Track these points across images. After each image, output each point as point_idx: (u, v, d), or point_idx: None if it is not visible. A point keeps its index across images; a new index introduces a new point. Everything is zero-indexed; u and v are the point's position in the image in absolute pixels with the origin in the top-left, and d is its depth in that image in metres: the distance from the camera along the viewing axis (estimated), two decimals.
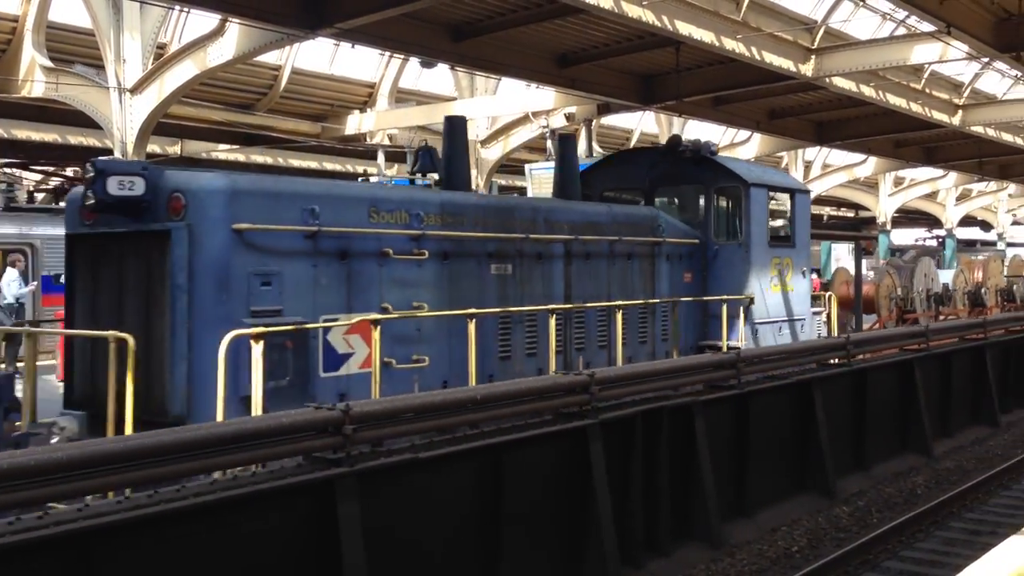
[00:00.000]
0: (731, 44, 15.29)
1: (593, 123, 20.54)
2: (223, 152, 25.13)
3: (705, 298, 12.02)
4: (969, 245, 47.77)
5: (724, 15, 15.18)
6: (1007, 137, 26.34)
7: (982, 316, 15.26)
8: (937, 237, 47.55)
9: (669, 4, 14.00)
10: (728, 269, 12.28)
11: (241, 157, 25.95)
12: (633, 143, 28.09)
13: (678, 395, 8.64)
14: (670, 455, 8.30)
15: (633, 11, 13.48)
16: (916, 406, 12.27)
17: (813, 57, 17.07)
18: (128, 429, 6.14)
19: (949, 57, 16.45)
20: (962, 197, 45.37)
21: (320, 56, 26.30)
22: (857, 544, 8.25)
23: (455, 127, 10.05)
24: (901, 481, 10.93)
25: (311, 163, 27.17)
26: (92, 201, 6.92)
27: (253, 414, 6.47)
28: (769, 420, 9.72)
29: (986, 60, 19.76)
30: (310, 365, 7.46)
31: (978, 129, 24.49)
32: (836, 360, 11.18)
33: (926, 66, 20.34)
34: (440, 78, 24.16)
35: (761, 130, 23.86)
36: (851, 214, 50.89)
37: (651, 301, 11.17)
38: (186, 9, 15.26)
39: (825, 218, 49.45)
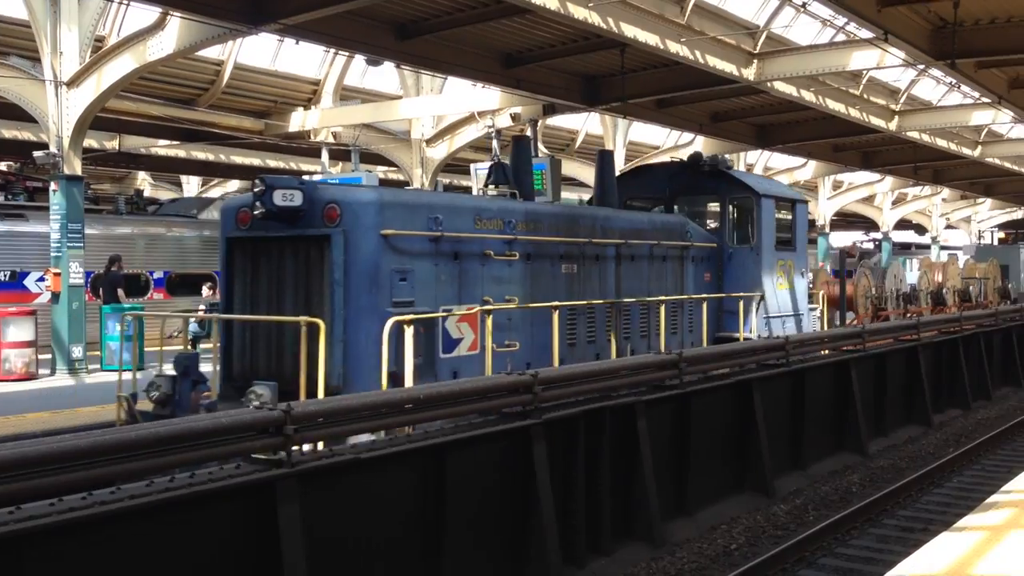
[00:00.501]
0: (675, 47, 15.47)
1: (539, 123, 20.63)
2: (163, 148, 24.70)
3: (724, 295, 13.59)
4: (904, 248, 48.94)
5: (669, 18, 15.35)
6: (941, 143, 27.00)
7: (916, 317, 15.78)
8: (874, 240, 48.64)
9: (614, 6, 14.12)
10: (741, 270, 13.94)
11: (182, 153, 25.55)
12: (578, 144, 28.26)
13: (620, 395, 8.73)
14: (613, 455, 8.38)
15: (578, 12, 13.58)
16: (852, 406, 12.55)
17: (755, 61, 17.33)
18: (321, 394, 7.61)
19: (886, 64, 16.82)
20: (898, 201, 46.47)
21: (264, 52, 26.02)
22: (794, 542, 8.41)
23: (521, 147, 12.56)
24: (837, 479, 11.17)
25: (254, 160, 26.86)
26: (261, 210, 8.43)
27: (407, 385, 7.91)
28: (710, 420, 9.86)
29: (922, 67, 20.25)
30: (435, 347, 9.04)
31: (913, 135, 25.06)
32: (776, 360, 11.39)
33: (864, 72, 20.78)
34: (386, 76, 24.10)
35: (704, 132, 24.15)
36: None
37: (683, 297, 12.91)
38: (126, 2, 14.98)
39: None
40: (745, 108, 23.31)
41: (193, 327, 15.70)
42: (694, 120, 22.94)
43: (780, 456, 10.93)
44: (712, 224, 14.38)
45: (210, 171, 29.41)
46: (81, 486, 4.79)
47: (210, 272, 21.41)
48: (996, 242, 50.21)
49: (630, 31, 14.56)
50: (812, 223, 39.93)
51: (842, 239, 55.75)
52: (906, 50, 15.12)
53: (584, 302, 11.00)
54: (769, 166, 35.36)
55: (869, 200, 44.78)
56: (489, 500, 7.21)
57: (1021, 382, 19.40)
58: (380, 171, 26.01)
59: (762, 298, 13.94)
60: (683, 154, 26.94)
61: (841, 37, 19.29)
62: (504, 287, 10.12)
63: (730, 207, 14.18)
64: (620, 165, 26.81)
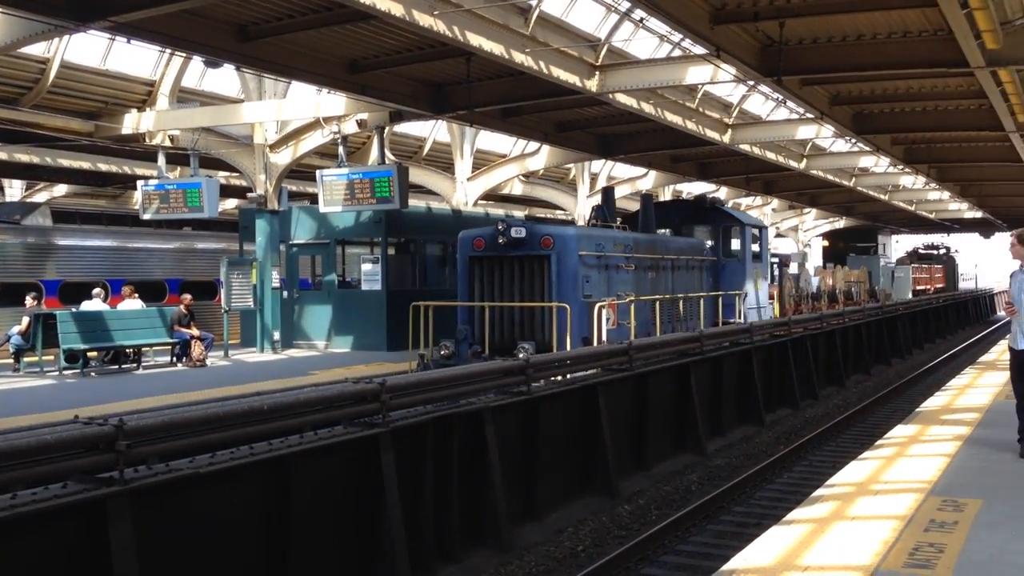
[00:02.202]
0: (520, 57, 15.66)
1: (385, 131, 20.50)
2: None
3: (723, 292, 19.19)
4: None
5: (513, 28, 15.53)
6: (770, 155, 28.37)
7: (750, 322, 16.83)
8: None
9: (460, 15, 14.18)
10: (731, 276, 20.03)
11: (3, 155, 24.00)
12: (426, 151, 28.23)
13: (469, 402, 8.76)
14: (462, 462, 8.40)
15: (424, 20, 13.56)
16: (691, 407, 13.03)
17: (597, 73, 17.77)
18: (568, 346, 13.06)
19: (719, 79, 17.54)
20: None
21: (94, 50, 24.74)
22: (637, 541, 8.65)
23: (608, 196, 18.68)
24: (678, 479, 11.57)
25: (83, 163, 25.51)
26: (505, 240, 14.15)
27: (594, 344, 13.32)
28: (558, 424, 10.03)
29: (751, 83, 21.27)
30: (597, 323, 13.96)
31: (745, 147, 26.22)
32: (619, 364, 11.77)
33: (699, 86, 21.63)
34: (226, 78, 23.39)
35: (550, 142, 24.54)
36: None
37: (714, 294, 18.89)
38: None
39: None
40: (588, 119, 23.85)
41: (17, 340, 15.74)
42: (540, 129, 23.28)
43: (624, 458, 11.24)
44: (709, 243, 20.32)
45: (35, 174, 27.74)
46: None
47: (35, 281, 20.19)
48: (820, 250, 55.75)
49: (475, 40, 14.65)
50: None
51: None
52: (736, 66, 15.82)
53: (669, 296, 17.05)
54: (613, 175, 36.29)
55: None
56: (337, 511, 7.09)
57: (844, 382, 20.66)
58: (221, 176, 25.20)
59: (745, 296, 19.87)
60: (531, 165, 27.39)
61: (677, 52, 20.04)
62: (626, 287, 15.69)
63: (722, 232, 20.44)
64: (468, 173, 26.96)
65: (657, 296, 16.44)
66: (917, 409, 11.66)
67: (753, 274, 20.70)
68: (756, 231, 21.22)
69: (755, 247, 20.90)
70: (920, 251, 63.65)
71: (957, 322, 40.13)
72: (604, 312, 13.96)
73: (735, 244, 20.48)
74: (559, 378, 10.59)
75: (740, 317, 19.11)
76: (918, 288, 52.40)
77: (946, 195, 42.09)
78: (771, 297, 22.77)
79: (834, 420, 15.53)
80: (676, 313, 17.22)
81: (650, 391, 12.04)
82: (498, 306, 14.16)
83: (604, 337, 13.68)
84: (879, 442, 9.41)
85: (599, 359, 11.37)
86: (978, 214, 49.93)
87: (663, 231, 19.80)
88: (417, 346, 13.87)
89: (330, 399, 7.23)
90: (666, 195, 39.96)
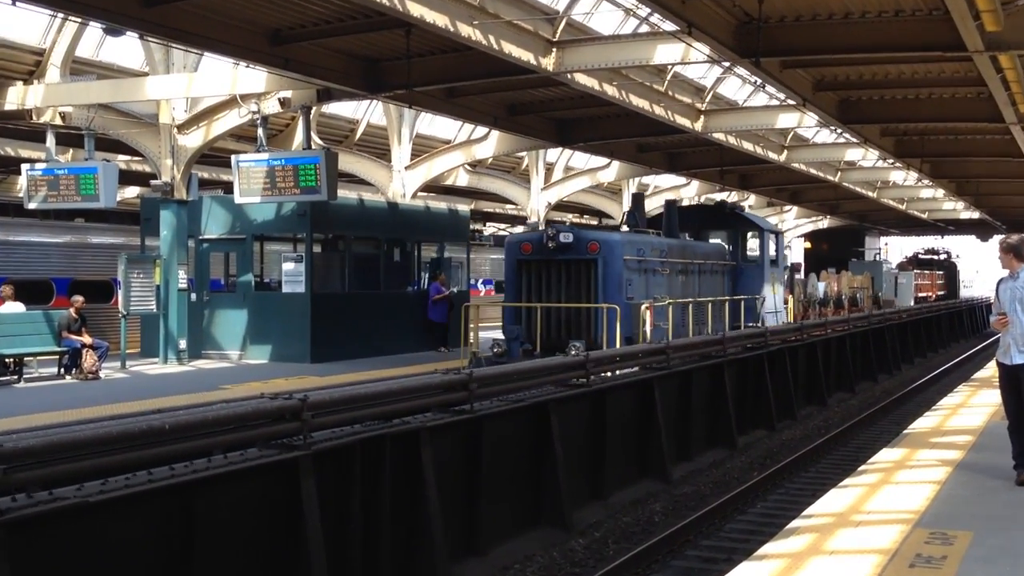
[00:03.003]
0: (467, 30, 15.64)
1: (312, 111, 20.39)
2: None
3: (743, 297, 21.99)
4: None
5: None
6: (747, 145, 28.72)
7: (722, 333, 17.01)
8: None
9: None
10: (750, 281, 22.89)
11: None
12: (359, 135, 28.11)
13: (403, 422, 8.74)
14: (395, 489, 8.36)
15: None
16: (655, 428, 13.12)
17: (554, 50, 17.82)
18: (617, 344, 15.61)
19: (691, 59, 17.72)
20: None
21: None
22: None
23: (638, 202, 21.54)
24: (639, 509, 11.65)
25: None
26: (554, 244, 16.87)
27: (641, 341, 16.09)
28: (504, 447, 10.04)
29: (727, 65, 21.53)
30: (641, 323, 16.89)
31: (719, 136, 26.51)
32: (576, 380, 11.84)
33: (669, 67, 21.85)
34: (128, 48, 23.07)
35: (500, 127, 24.57)
36: (595, 222, 53.67)
37: (741, 297, 21.82)
38: None
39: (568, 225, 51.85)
40: (544, 101, 23.93)
41: None
42: (489, 113, 23.30)
43: (579, 486, 11.28)
44: (727, 248, 23.39)
45: None
46: None
47: None
48: (802, 252, 57.21)
49: (416, 10, 14.61)
50: (618, 229, 42.06)
51: None
52: (711, 45, 15.97)
53: (699, 299, 19.90)
54: (571, 166, 36.50)
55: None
56: (249, 546, 7.02)
57: (825, 400, 20.98)
58: (120, 160, 24.85)
59: (764, 300, 22.77)
60: (477, 150, 27.44)
61: (645, 29, 20.20)
62: (661, 290, 18.36)
63: (741, 237, 23.42)
64: (406, 161, 26.91)
65: (690, 299, 19.40)
66: (905, 431, 11.87)
67: (771, 278, 23.77)
68: (773, 236, 24.34)
69: (771, 252, 23.85)
70: (921, 256, 65.67)
71: (952, 334, 41.01)
72: (648, 313, 17.09)
73: (753, 249, 23.57)
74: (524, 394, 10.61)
75: (760, 321, 22.01)
76: (919, 295, 55.08)
77: (940, 193, 42.94)
78: (785, 301, 25.89)
79: (813, 443, 15.76)
80: (703, 316, 20.01)
81: (608, 410, 12.11)
82: (550, 306, 17.00)
83: (649, 336, 16.74)
84: (862, 467, 9.56)
85: (552, 373, 11.40)
86: (975, 214, 51.02)
87: (682, 236, 22.42)
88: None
89: (243, 418, 7.16)
90: (630, 188, 40.34)
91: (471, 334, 17.09)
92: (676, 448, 13.96)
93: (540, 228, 26.69)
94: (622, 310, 16.20)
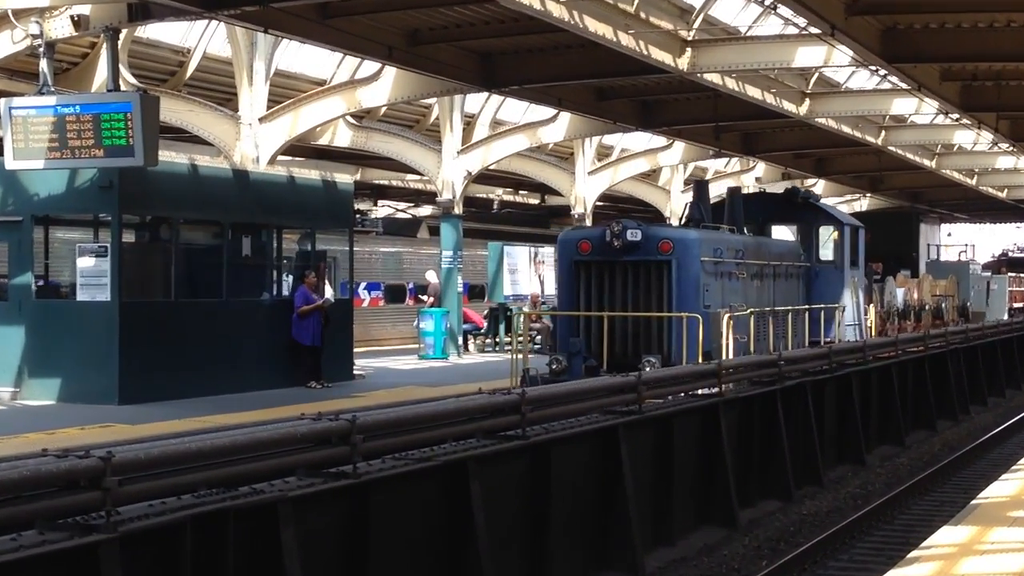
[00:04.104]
0: None
1: (122, 35, 20.20)
2: None
3: (823, 306, 25.43)
4: None
5: None
6: (753, 92, 28.90)
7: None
8: None
9: None
10: (826, 286, 26.20)
11: None
12: (190, 73, 27.84)
13: (254, 491, 8.68)
14: None
15: None
16: (620, 501, 13.20)
17: None
18: (700, 359, 18.82)
19: None
20: (690, 181, 49.49)
21: None
22: None
23: (702, 191, 24.42)
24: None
25: None
26: (619, 243, 19.74)
27: (724, 357, 18.62)
28: (404, 525, 10.03)
29: None
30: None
31: (713, 78, 26.71)
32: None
33: None
34: None
35: (397, 61, 24.45)
36: (536, 200, 53.88)
37: (824, 306, 25.39)
38: None
39: (495, 205, 51.91)
40: (462, 25, 23.93)
41: None
42: (380, 41, 23.24)
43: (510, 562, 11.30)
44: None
45: None
46: None
47: None
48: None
49: None
50: (568, 211, 42.25)
51: None
52: None
53: (783, 307, 23.62)
54: (501, 120, 36.56)
55: (650, 177, 47.42)
56: None
57: (864, 457, 21.24)
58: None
59: (844, 309, 26.07)
60: (364, 94, 27.35)
61: None
62: (735, 296, 21.43)
63: (815, 233, 26.50)
64: (261, 110, 26.75)
65: (768, 308, 22.47)
66: (974, 501, 12.06)
67: (851, 283, 27.01)
68: (852, 231, 27.33)
69: (850, 250, 26.92)
70: (1013, 255, 67.33)
71: None
72: (730, 323, 19.89)
73: (830, 247, 26.80)
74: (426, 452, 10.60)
75: (837, 336, 25.26)
76: (1015, 306, 58.09)
77: None
78: (866, 312, 29.06)
79: (848, 518, 15.98)
80: (782, 328, 23.17)
81: (553, 469, 12.16)
82: (619, 316, 19.78)
83: (731, 352, 19.45)
84: (913, 553, 9.70)
85: (471, 420, 11.41)
86: None
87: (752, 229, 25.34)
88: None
89: (17, 485, 7.06)
90: (587, 151, 40.58)
91: (519, 346, 20.93)
92: (652, 527, 14.05)
93: (445, 200, 31.75)
94: (703, 320, 19.26)
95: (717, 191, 49.46)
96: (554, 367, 19.30)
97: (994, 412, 29.97)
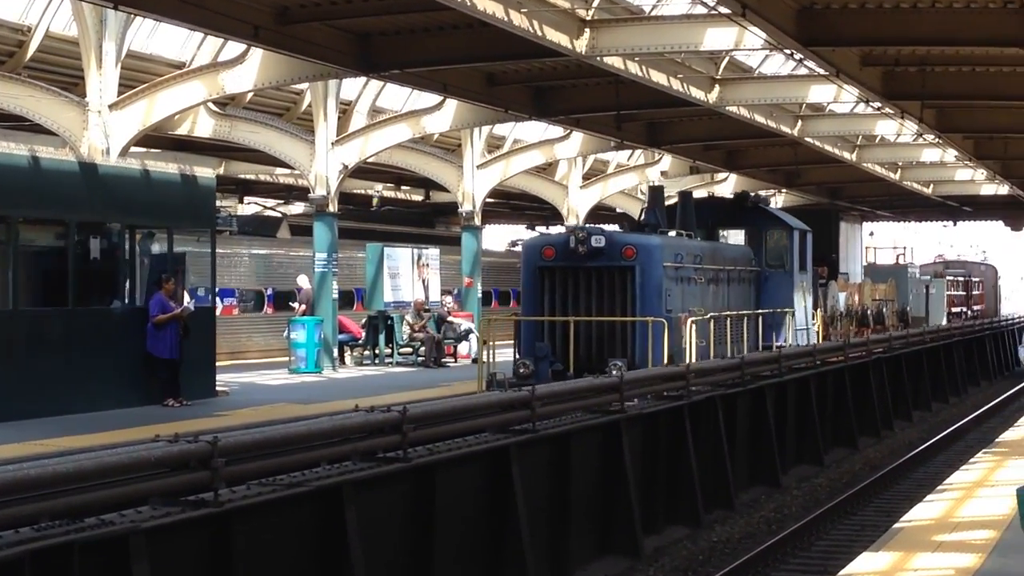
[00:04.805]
0: None
1: None
2: None
3: (774, 311, 28.34)
4: None
5: None
6: (658, 78, 29.03)
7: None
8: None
9: None
10: (776, 290, 28.96)
11: None
12: (31, 53, 27.45)
13: (103, 522, 8.60)
14: None
15: None
16: (515, 532, 13.25)
17: None
18: (665, 361, 21.63)
19: None
20: (590, 176, 49.60)
21: None
22: None
23: (657, 196, 27.07)
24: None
25: None
26: (584, 249, 22.35)
27: (687, 361, 21.82)
28: (273, 559, 9.98)
29: None
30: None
31: (614, 61, 26.81)
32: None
33: None
34: None
35: (263, 41, 24.23)
36: (419, 196, 53.78)
37: (800, 310, 29.27)
38: None
39: (375, 202, 51.65)
40: (337, 2, 23.82)
41: None
42: (245, 19, 22.90)
43: None
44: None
45: None
46: None
47: None
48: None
49: None
50: (455, 208, 42.30)
51: (505, 235, 59.69)
52: None
53: (743, 312, 26.65)
54: (381, 107, 36.49)
55: (547, 171, 47.51)
56: None
57: (779, 479, 21.46)
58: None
59: (793, 314, 28.91)
60: (229, 78, 27.16)
61: None
62: (694, 301, 24.13)
63: (765, 237, 29.19)
64: (112, 95, 26.45)
65: (727, 312, 25.28)
66: (897, 524, 12.26)
67: (800, 287, 29.91)
68: (800, 235, 30.03)
69: (798, 254, 29.57)
70: (949, 259, 69.32)
71: (971, 372, 42.55)
72: (691, 327, 22.56)
73: (778, 251, 29.42)
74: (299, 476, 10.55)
75: (788, 340, 28.10)
76: (952, 310, 61.36)
77: (950, 155, 44.39)
78: (813, 316, 31.68)
79: (762, 545, 16.15)
80: (738, 332, 25.79)
81: (438, 493, 12.18)
82: (585, 320, 22.30)
83: (694, 355, 22.12)
84: None
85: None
86: (1003, 189, 53.10)
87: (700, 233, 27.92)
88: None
89: None
90: (476, 142, 40.64)
91: (484, 352, 23.37)
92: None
93: (319, 196, 32.73)
94: (668, 324, 21.87)
95: (620, 185, 50.13)
96: (521, 371, 21.76)
97: (919, 428, 30.48)
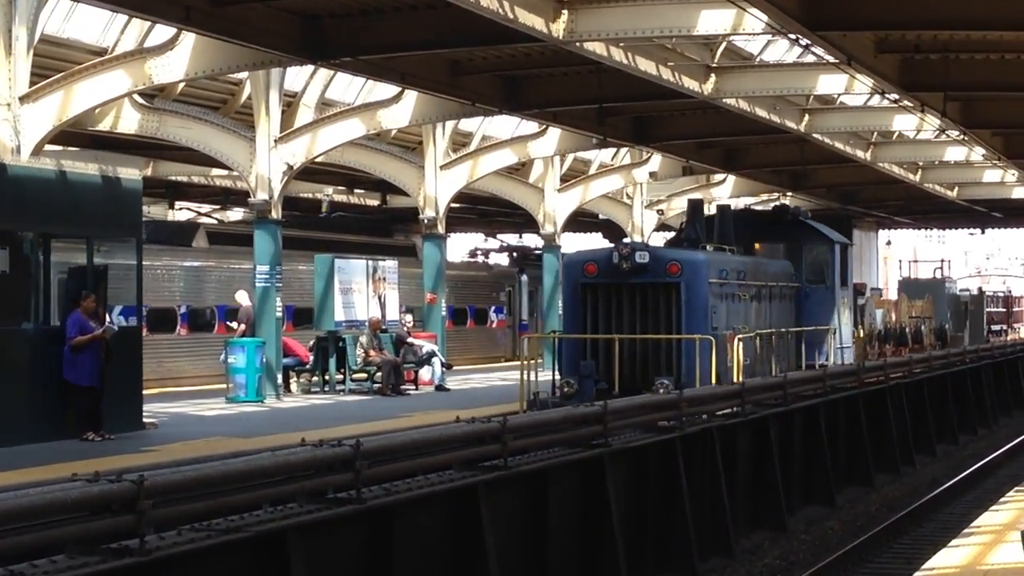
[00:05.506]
0: None
1: None
2: None
3: (814, 328, 31.72)
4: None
5: None
6: (646, 66, 29.07)
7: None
8: (515, 249, 52.90)
9: None
10: (818, 307, 32.03)
11: None
12: None
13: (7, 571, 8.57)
14: None
15: None
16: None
17: None
18: (714, 381, 24.79)
19: None
20: (570, 177, 49.69)
21: None
22: None
23: (697, 210, 30.55)
24: None
25: None
26: (627, 265, 25.60)
27: (736, 379, 24.80)
28: None
29: None
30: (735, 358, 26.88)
31: (596, 47, 26.88)
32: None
33: None
34: None
35: (195, 25, 24.22)
36: (375, 201, 53.77)
37: (809, 328, 32.12)
38: None
39: (324, 207, 51.61)
40: None
41: None
42: (176, 1, 23.11)
43: None
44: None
45: None
46: None
47: None
48: None
49: None
50: (416, 215, 42.40)
51: (466, 244, 59.77)
52: None
53: (786, 329, 30.09)
54: (331, 100, 36.51)
55: (519, 172, 47.58)
56: None
57: (781, 524, 21.50)
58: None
59: (835, 332, 32.10)
60: (157, 68, 27.14)
61: None
62: (737, 318, 27.08)
63: (805, 252, 32.13)
64: (24, 86, 26.40)
65: (771, 330, 27.95)
66: (917, 573, 12.27)
67: (841, 304, 32.92)
68: (841, 249, 33.12)
69: (839, 270, 32.77)
70: (986, 272, 71.40)
71: (1003, 398, 42.56)
72: (740, 346, 25.02)
73: (817, 266, 32.58)
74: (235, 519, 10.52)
75: (830, 359, 31.07)
76: (992, 327, 65.71)
77: (978, 153, 44.46)
78: (854, 334, 35.43)
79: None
80: (783, 350, 28.66)
81: (396, 540, 12.15)
82: (629, 339, 24.71)
83: (741, 375, 24.27)
84: None
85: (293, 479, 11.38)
86: None
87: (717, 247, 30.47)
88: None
89: None
90: (439, 140, 40.68)
91: (528, 373, 25.26)
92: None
93: (260, 201, 32.99)
94: (715, 342, 24.32)
95: (603, 188, 50.17)
96: (565, 390, 24.27)
97: (945, 463, 30.47)
